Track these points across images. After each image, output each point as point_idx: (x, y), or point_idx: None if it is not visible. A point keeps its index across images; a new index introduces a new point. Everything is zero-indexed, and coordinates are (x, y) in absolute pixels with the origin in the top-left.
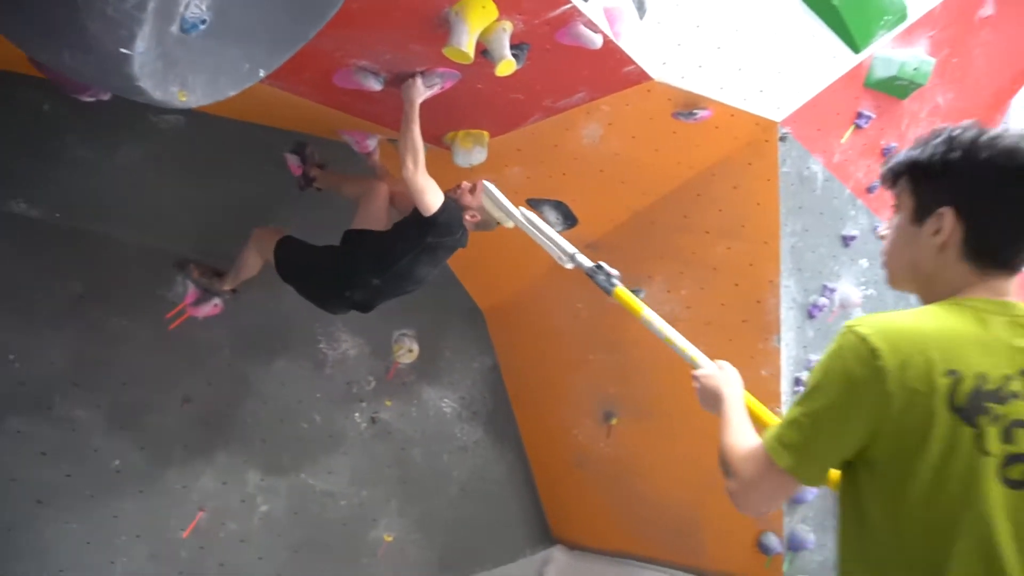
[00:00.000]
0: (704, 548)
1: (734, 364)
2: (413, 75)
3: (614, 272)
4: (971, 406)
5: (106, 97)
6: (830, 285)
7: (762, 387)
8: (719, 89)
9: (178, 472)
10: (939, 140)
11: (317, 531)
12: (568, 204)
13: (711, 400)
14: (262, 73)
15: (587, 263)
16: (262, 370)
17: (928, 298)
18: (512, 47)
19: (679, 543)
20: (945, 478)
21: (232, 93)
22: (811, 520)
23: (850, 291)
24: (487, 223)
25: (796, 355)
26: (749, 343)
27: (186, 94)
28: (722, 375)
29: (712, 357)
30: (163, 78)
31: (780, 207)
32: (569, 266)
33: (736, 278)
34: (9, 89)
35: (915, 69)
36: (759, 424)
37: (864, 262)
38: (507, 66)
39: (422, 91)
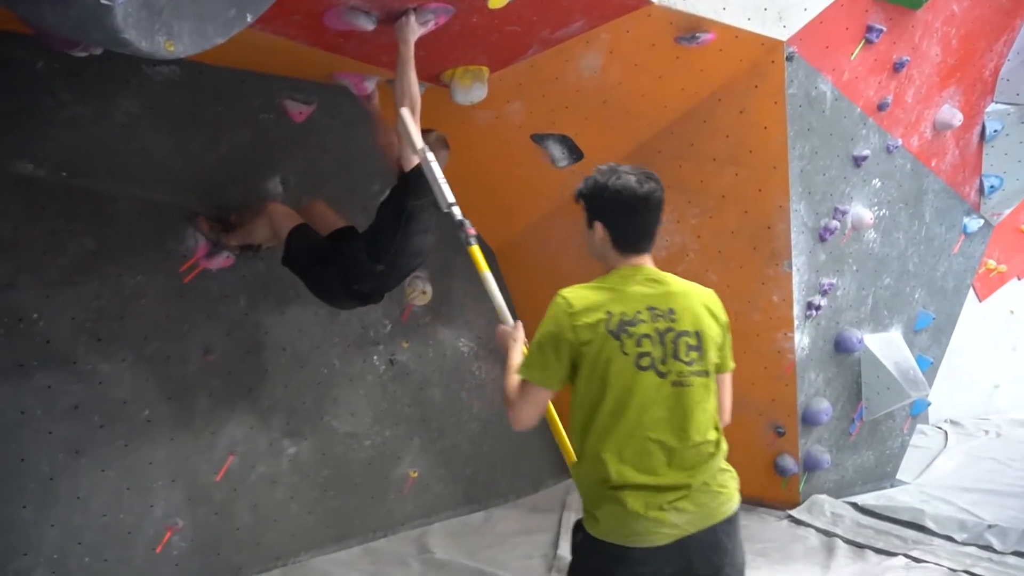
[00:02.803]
0: None
1: (745, 290)
2: (406, 12)
3: (472, 232)
4: (618, 330)
5: (98, 52)
6: (841, 207)
7: (774, 312)
8: (721, 10)
9: (206, 419)
10: (591, 181)
11: (344, 470)
12: (572, 138)
13: (501, 347)
14: (249, 18)
15: (457, 216)
16: (278, 318)
17: (605, 269)
18: None
19: None
20: (606, 371)
21: (220, 40)
22: (826, 441)
23: (862, 212)
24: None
25: (808, 279)
26: (760, 269)
27: (173, 43)
28: (514, 333)
29: (723, 284)
30: (148, 28)
31: (788, 130)
32: (445, 211)
33: (745, 205)
34: (1, 48)
35: None
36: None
37: (876, 182)
38: None
39: (416, 28)
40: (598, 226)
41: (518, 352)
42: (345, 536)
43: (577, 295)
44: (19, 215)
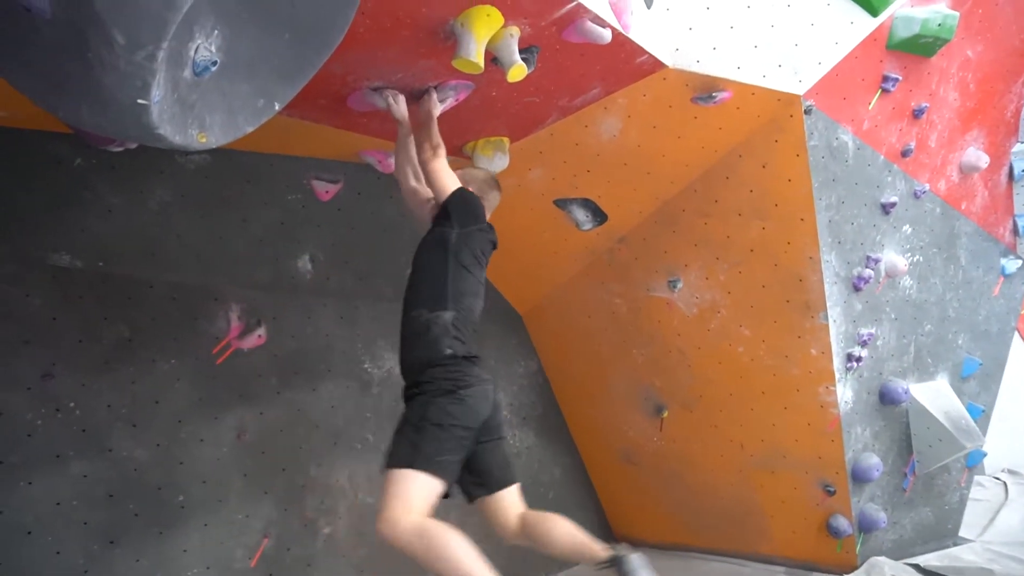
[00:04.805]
0: (769, 534)
1: (781, 345)
2: (427, 90)
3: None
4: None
5: (133, 145)
6: (873, 255)
7: (813, 366)
8: (736, 69)
9: (239, 502)
10: None
11: (380, 549)
12: (595, 201)
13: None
14: (277, 106)
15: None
16: (310, 395)
17: None
18: (521, 51)
19: (742, 531)
20: None
21: (250, 129)
22: (879, 498)
23: (895, 259)
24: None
25: (845, 330)
26: (795, 323)
27: (205, 135)
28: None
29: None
30: (181, 123)
31: (812, 181)
32: None
33: (774, 258)
34: (41, 147)
35: (939, 25)
36: None
37: (907, 228)
38: (518, 71)
39: (437, 104)
40: None
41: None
42: None
43: None
44: (57, 305)
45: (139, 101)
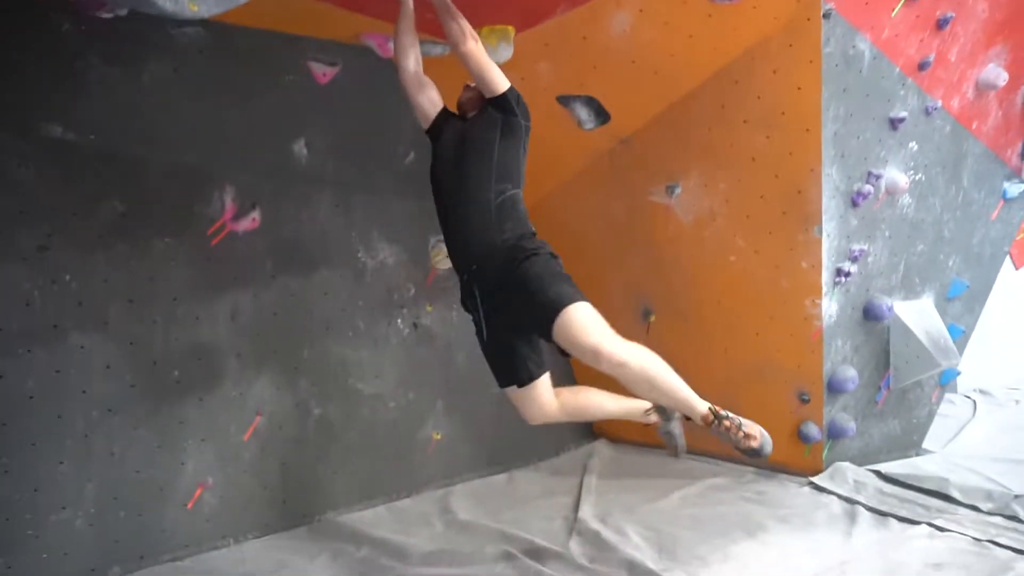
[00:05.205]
0: None
1: (773, 256)
2: None
3: None
4: None
5: (123, 13)
6: (875, 171)
7: (802, 279)
8: None
9: (234, 380)
10: None
11: (369, 432)
12: (599, 99)
13: None
14: None
15: None
16: (304, 281)
17: None
18: None
19: None
20: None
21: (243, 0)
22: (852, 409)
23: (897, 176)
24: None
25: (838, 245)
26: (790, 235)
27: (196, 4)
28: None
29: (751, 249)
30: None
31: (822, 91)
32: None
33: (776, 169)
34: (28, 11)
35: None
36: None
37: (913, 145)
38: None
39: None
40: None
41: None
42: (370, 496)
43: None
44: (51, 178)
45: None
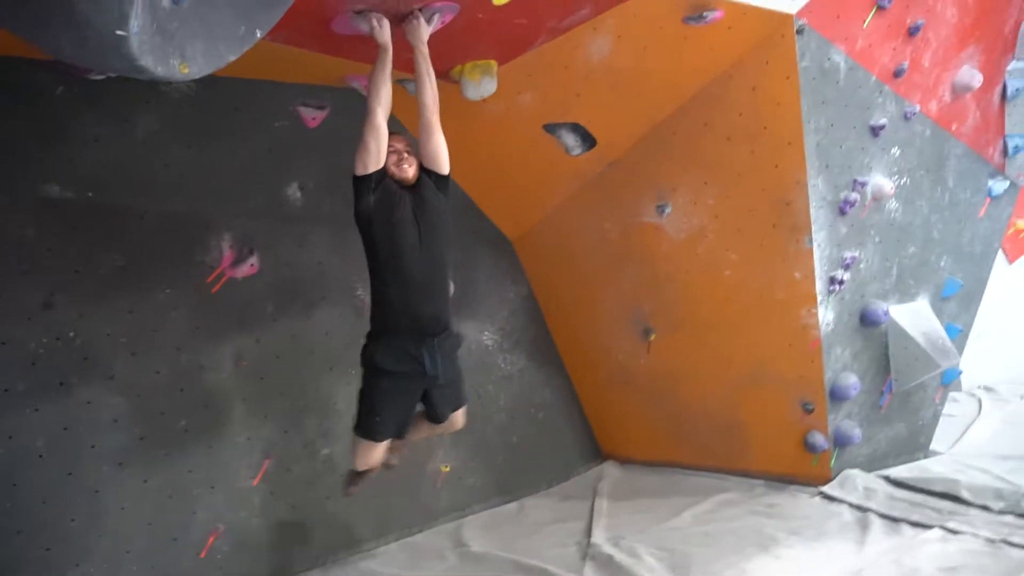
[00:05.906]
0: (749, 451)
1: (766, 269)
2: (412, 14)
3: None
4: None
5: (114, 74)
6: (860, 178)
7: (796, 289)
8: None
9: (241, 425)
10: None
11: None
12: (585, 125)
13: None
14: (259, 34)
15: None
16: (305, 322)
17: None
18: None
19: (724, 448)
20: None
21: (232, 58)
22: (856, 415)
23: (882, 182)
24: None
25: (829, 254)
26: (780, 246)
27: (187, 65)
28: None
29: (744, 263)
30: (162, 53)
31: (802, 104)
32: None
33: (762, 182)
34: (22, 75)
35: None
36: None
37: (895, 150)
38: None
39: (426, 27)
40: None
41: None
42: (382, 532)
43: None
44: (51, 236)
45: (118, 32)
